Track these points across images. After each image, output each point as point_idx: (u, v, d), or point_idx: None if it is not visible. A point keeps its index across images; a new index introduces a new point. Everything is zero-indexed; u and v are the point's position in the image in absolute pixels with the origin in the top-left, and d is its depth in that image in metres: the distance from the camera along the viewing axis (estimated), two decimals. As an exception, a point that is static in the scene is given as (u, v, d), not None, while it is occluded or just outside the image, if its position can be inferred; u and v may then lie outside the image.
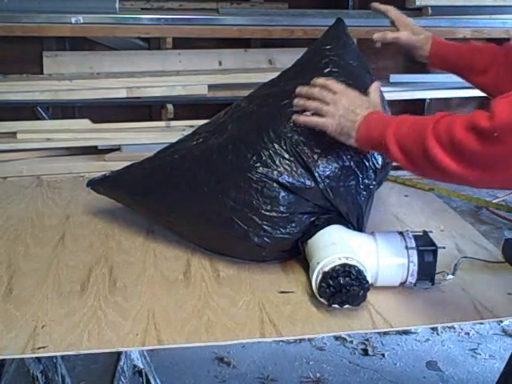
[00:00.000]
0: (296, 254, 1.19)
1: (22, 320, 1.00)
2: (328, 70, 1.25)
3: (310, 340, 2.31)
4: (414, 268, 1.08)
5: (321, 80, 1.13)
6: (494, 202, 1.58)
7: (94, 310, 1.04)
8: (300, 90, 1.14)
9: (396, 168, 1.53)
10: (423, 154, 0.94)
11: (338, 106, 1.08)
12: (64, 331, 0.97)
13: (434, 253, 1.08)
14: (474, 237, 1.36)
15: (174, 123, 2.64)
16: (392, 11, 1.37)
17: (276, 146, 1.15)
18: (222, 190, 1.15)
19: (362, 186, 1.18)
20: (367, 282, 1.02)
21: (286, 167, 1.13)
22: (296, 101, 1.14)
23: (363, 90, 1.18)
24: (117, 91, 2.57)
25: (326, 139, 1.15)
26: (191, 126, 2.45)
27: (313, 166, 1.13)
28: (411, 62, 2.96)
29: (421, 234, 1.13)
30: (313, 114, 1.11)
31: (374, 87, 1.17)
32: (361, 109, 1.07)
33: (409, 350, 2.31)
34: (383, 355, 2.27)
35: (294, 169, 1.13)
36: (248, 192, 1.13)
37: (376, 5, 1.38)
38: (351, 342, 2.33)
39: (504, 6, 2.81)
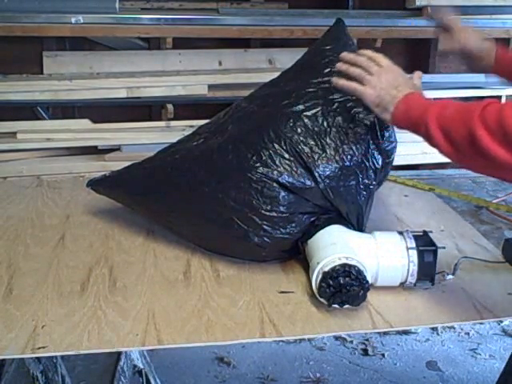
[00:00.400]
0: (296, 254, 1.19)
1: (22, 320, 1.00)
2: (328, 70, 1.25)
3: (309, 340, 2.31)
4: (414, 268, 1.08)
5: (369, 51, 1.13)
6: (494, 202, 1.58)
7: (94, 310, 1.04)
8: (346, 55, 1.15)
9: (396, 168, 1.53)
10: (470, 141, 0.90)
11: (382, 79, 1.08)
12: (64, 331, 0.97)
13: (434, 253, 1.08)
14: (474, 237, 1.36)
15: (174, 123, 2.65)
16: (454, 21, 1.35)
17: (276, 145, 1.15)
18: (222, 190, 1.15)
19: (361, 186, 1.18)
20: (367, 282, 1.02)
21: (286, 167, 1.13)
22: (339, 64, 1.14)
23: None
24: (117, 91, 2.57)
25: (326, 139, 1.15)
26: (191, 126, 2.45)
27: (313, 166, 1.13)
28: (411, 61, 2.97)
29: (421, 234, 1.13)
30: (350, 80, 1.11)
31: (418, 75, 1.17)
32: (404, 87, 1.07)
33: (409, 350, 2.31)
34: (383, 355, 2.27)
35: (294, 169, 1.13)
36: (248, 192, 1.13)
37: (441, 14, 1.36)
38: (351, 342, 2.33)
39: (504, 6, 2.81)
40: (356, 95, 1.11)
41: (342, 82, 1.12)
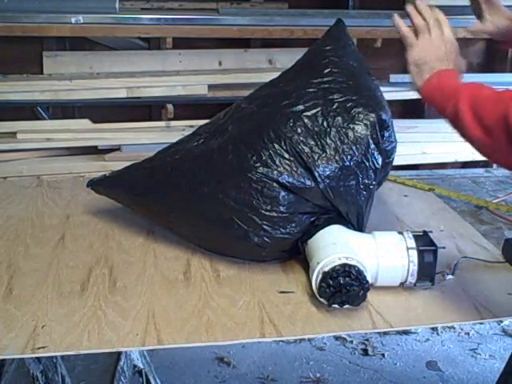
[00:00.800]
0: (296, 254, 1.19)
1: (22, 320, 1.00)
2: (328, 70, 1.25)
3: (309, 340, 2.31)
4: (414, 268, 1.08)
5: (442, 15, 1.11)
6: (494, 202, 1.58)
7: (94, 310, 1.04)
8: (421, 3, 1.12)
9: (396, 168, 1.53)
10: (504, 126, 0.85)
11: (435, 46, 1.06)
12: (64, 331, 0.97)
13: (434, 253, 1.08)
14: (474, 237, 1.36)
15: (174, 123, 2.65)
16: None
17: (276, 145, 1.15)
18: (222, 190, 1.15)
19: (361, 186, 1.18)
20: (367, 282, 1.03)
21: (286, 167, 1.13)
22: (411, 8, 1.13)
23: (364, 90, 1.18)
24: (117, 91, 2.57)
25: (326, 139, 1.15)
26: (191, 126, 2.45)
27: (313, 166, 1.13)
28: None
29: (421, 234, 1.13)
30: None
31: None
32: (450, 63, 1.05)
33: (409, 350, 2.31)
34: (383, 355, 2.27)
35: (294, 169, 1.14)
36: (248, 192, 1.13)
37: None
38: (351, 342, 2.33)
39: (504, 6, 2.81)
40: (405, 44, 1.10)
41: (401, 24, 1.11)
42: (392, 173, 1.54)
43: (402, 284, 1.11)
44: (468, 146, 0.95)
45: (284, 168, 1.13)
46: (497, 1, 1.34)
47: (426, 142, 2.65)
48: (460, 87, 0.98)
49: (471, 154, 0.98)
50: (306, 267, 1.14)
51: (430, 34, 1.08)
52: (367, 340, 2.34)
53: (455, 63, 1.08)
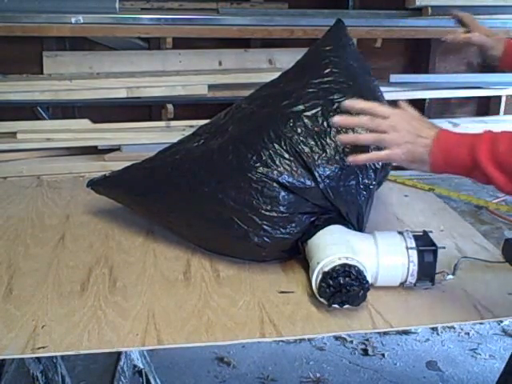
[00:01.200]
0: (296, 254, 1.19)
1: (22, 320, 1.00)
2: (328, 70, 1.25)
3: (309, 340, 2.31)
4: (414, 268, 1.08)
5: (363, 104, 1.01)
6: (494, 202, 1.58)
7: (94, 310, 1.04)
8: (340, 120, 1.02)
9: (396, 168, 1.53)
10: None
11: (401, 132, 0.95)
12: (64, 331, 0.97)
13: (434, 253, 1.08)
14: (474, 237, 1.36)
15: (174, 123, 2.64)
16: (466, 16, 1.51)
17: (276, 145, 1.15)
18: (222, 190, 1.15)
19: (361, 186, 1.18)
20: (367, 282, 1.03)
21: (286, 167, 1.13)
22: (344, 137, 1.05)
23: (364, 89, 1.18)
24: (117, 91, 2.56)
25: (326, 139, 1.15)
26: (191, 126, 2.45)
27: (313, 166, 1.13)
28: (411, 61, 2.97)
29: (421, 234, 1.13)
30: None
31: (404, 104, 1.03)
32: (424, 128, 0.95)
33: (409, 350, 2.31)
34: (383, 355, 2.27)
35: (294, 169, 1.14)
36: (248, 192, 1.13)
37: (455, 12, 1.54)
38: (351, 342, 2.33)
39: (504, 5, 2.81)
40: (384, 162, 1.05)
41: (364, 157, 1.02)
42: (392, 173, 1.54)
43: (402, 284, 1.11)
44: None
45: (284, 168, 1.13)
46: (470, 20, 1.50)
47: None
48: (472, 148, 0.89)
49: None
50: (306, 267, 1.14)
51: (384, 131, 0.97)
52: (367, 340, 2.34)
53: (426, 123, 0.98)
